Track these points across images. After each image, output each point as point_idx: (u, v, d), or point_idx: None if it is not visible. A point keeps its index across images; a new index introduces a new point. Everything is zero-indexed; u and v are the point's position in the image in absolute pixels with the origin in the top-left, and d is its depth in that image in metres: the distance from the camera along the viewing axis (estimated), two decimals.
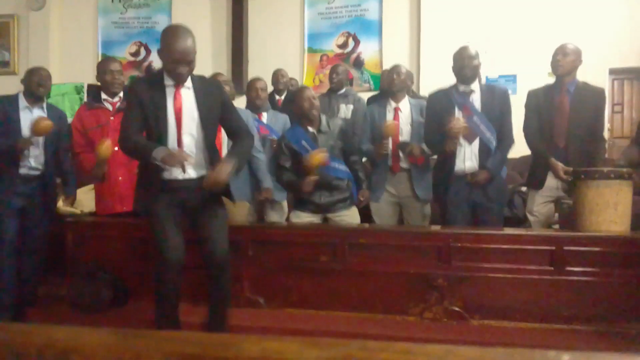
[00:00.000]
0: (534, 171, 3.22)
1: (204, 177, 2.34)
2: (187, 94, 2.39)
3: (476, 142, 3.05)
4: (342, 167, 3.12)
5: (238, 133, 2.52)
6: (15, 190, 3.07)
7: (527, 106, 3.22)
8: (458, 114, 3.06)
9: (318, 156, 2.84)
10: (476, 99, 3.10)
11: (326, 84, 6.24)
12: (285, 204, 3.58)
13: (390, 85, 3.49)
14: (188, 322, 2.65)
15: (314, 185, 2.94)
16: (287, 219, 3.51)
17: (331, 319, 2.65)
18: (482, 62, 3.17)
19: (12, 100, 3.16)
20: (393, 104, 3.45)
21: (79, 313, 2.79)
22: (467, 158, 3.07)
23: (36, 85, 3.14)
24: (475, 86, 3.12)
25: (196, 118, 2.39)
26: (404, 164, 3.38)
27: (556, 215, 3.28)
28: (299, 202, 3.18)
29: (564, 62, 3.12)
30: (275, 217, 3.53)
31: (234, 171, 2.33)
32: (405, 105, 3.45)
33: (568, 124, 3.09)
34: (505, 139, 3.08)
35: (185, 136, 2.37)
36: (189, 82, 2.40)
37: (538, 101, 3.18)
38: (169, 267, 2.29)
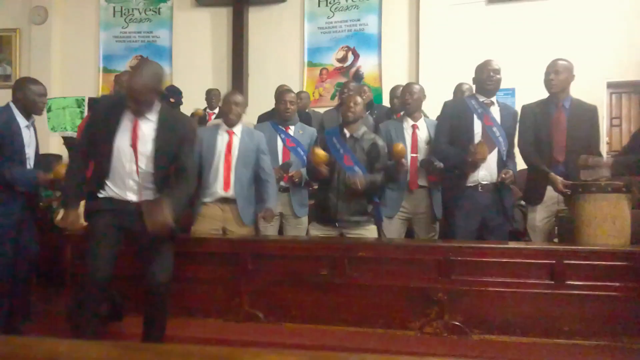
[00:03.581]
0: (532, 186, 3.23)
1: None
2: (146, 126, 2.42)
3: (494, 154, 3.11)
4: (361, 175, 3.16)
5: (182, 173, 2.51)
6: (16, 205, 3.05)
7: (521, 121, 3.26)
8: (477, 122, 3.13)
9: (319, 152, 3.02)
10: (495, 112, 3.18)
11: (325, 97, 6.30)
12: (306, 219, 3.58)
13: (404, 105, 3.52)
14: (186, 335, 2.64)
15: (328, 169, 3.06)
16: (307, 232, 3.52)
17: (331, 334, 2.64)
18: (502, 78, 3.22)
19: (9, 115, 3.04)
20: (410, 121, 3.48)
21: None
22: (482, 167, 3.09)
23: (37, 107, 3.12)
24: (494, 99, 3.21)
25: (149, 150, 2.41)
26: (421, 182, 3.40)
27: (555, 228, 3.27)
28: (317, 213, 3.26)
29: (557, 80, 3.17)
30: (295, 232, 3.53)
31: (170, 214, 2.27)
32: (422, 123, 3.49)
33: (566, 139, 3.12)
34: (511, 152, 3.21)
35: (135, 165, 2.40)
36: (152, 115, 2.43)
37: (534, 117, 3.22)
38: (89, 286, 2.31)
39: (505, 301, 2.55)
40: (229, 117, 3.25)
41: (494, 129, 3.10)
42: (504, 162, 3.13)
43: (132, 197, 2.43)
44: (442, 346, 2.50)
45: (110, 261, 2.35)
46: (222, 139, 3.24)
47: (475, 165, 3.05)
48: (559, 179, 3.04)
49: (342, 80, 6.08)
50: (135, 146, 2.38)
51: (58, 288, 3.09)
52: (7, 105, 3.12)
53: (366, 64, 6.33)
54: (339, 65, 6.42)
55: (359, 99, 3.25)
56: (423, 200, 3.41)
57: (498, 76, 3.16)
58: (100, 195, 2.43)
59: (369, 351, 2.43)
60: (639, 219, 2.86)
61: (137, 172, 2.40)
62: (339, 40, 6.42)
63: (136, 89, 2.32)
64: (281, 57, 6.46)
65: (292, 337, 2.62)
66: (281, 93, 3.68)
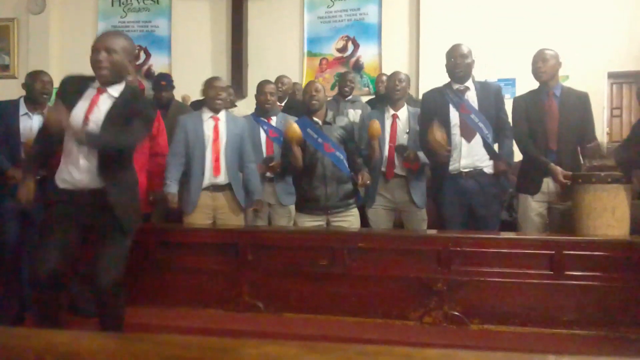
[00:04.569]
0: (527, 176, 3.22)
1: (99, 191, 2.25)
2: (105, 101, 2.28)
3: (477, 140, 3.07)
4: (344, 160, 3.18)
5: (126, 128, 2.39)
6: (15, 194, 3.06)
7: (514, 112, 3.25)
8: (453, 112, 3.10)
9: (292, 127, 3.03)
10: (471, 96, 3.13)
11: (325, 87, 6.26)
12: (292, 208, 3.57)
13: (391, 92, 3.50)
14: (185, 326, 2.65)
15: (301, 157, 3.06)
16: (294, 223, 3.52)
17: (330, 324, 2.65)
18: (475, 60, 3.18)
19: (12, 105, 3.16)
20: (391, 110, 3.46)
21: (76, 317, 2.78)
22: (463, 156, 3.07)
23: (39, 93, 3.15)
24: (469, 84, 3.15)
25: (100, 121, 2.26)
26: (398, 171, 3.37)
27: (546, 219, 3.27)
28: (303, 204, 3.24)
29: (546, 67, 3.16)
30: (283, 221, 3.53)
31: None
32: (403, 112, 3.46)
33: (558, 127, 3.11)
34: (506, 129, 3.16)
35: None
36: (115, 91, 2.30)
37: (527, 107, 3.21)
38: (35, 284, 2.20)
39: (504, 291, 2.56)
40: (215, 103, 3.24)
41: (472, 116, 3.06)
42: (491, 146, 3.08)
43: (85, 179, 2.26)
44: (441, 336, 2.50)
45: (59, 254, 2.21)
46: (208, 125, 3.25)
47: (439, 156, 3.01)
48: (559, 169, 3.04)
49: (342, 70, 6.05)
50: (87, 116, 2.24)
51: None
52: (18, 98, 3.25)
53: (366, 53, 6.30)
54: (338, 55, 6.39)
55: (319, 86, 3.25)
56: (402, 189, 3.38)
57: (467, 61, 3.09)
58: (59, 185, 2.29)
59: (369, 341, 2.44)
60: (639, 209, 2.87)
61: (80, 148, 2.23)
62: (338, 29, 6.38)
63: (105, 58, 2.23)
64: (281, 47, 6.43)
65: (292, 328, 2.63)
66: (260, 85, 3.69)
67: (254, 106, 4.80)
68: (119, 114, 2.29)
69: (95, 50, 2.26)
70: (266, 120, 3.61)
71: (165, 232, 3.06)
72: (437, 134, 2.98)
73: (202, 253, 2.90)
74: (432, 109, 3.17)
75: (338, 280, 2.72)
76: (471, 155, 3.07)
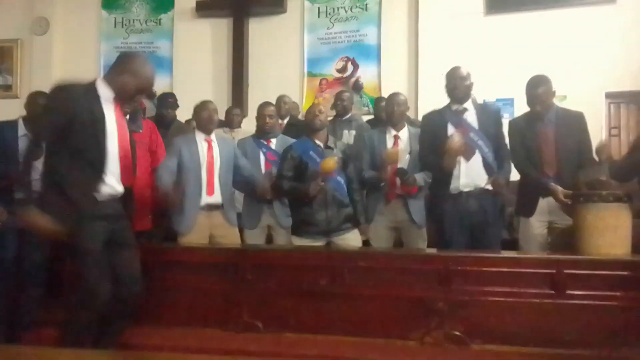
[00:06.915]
0: (524, 198, 3.22)
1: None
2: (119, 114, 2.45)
3: (476, 159, 3.08)
4: (344, 185, 3.21)
5: None
6: (14, 211, 3.06)
7: (510, 136, 3.26)
8: (451, 131, 3.12)
9: (332, 160, 3.04)
10: (471, 117, 3.16)
11: (325, 107, 6.31)
12: None
13: (390, 116, 3.51)
14: (184, 345, 2.63)
15: (319, 192, 3.07)
16: None
17: (330, 344, 2.62)
18: (473, 83, 3.24)
19: (10, 126, 3.16)
20: (393, 131, 3.48)
21: None
22: (462, 175, 3.09)
23: (39, 117, 3.16)
24: (468, 105, 3.20)
25: (127, 137, 2.46)
26: (398, 191, 3.38)
27: (548, 239, 3.26)
28: (302, 227, 3.22)
29: (547, 96, 3.16)
30: (284, 242, 3.52)
31: None
32: (404, 133, 3.48)
33: (555, 153, 3.12)
34: (504, 152, 3.18)
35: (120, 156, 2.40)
36: None
37: (521, 131, 3.22)
38: (94, 313, 2.21)
39: (505, 311, 2.54)
40: (208, 126, 3.34)
41: (471, 134, 3.10)
42: (491, 165, 3.09)
43: (119, 187, 2.40)
44: (442, 356, 2.48)
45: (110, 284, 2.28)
46: (202, 147, 3.32)
47: (452, 159, 3.03)
48: (559, 188, 3.04)
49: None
50: (120, 131, 2.41)
51: (57, 298, 3.07)
52: (17, 119, 3.23)
53: (366, 74, 6.35)
54: (338, 75, 6.44)
55: (322, 108, 3.29)
56: (402, 209, 3.39)
57: (466, 83, 3.17)
58: (98, 197, 2.31)
59: None
60: (639, 228, 2.86)
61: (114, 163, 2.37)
62: (338, 50, 6.45)
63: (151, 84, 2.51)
64: (281, 68, 6.48)
65: (292, 348, 2.61)
66: (260, 108, 3.74)
67: (254, 125, 4.82)
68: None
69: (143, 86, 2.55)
70: (265, 143, 3.65)
71: (165, 252, 3.05)
72: (456, 141, 3.00)
73: (201, 272, 2.89)
74: (431, 129, 3.22)
75: (338, 300, 2.71)
76: (470, 174, 3.09)
